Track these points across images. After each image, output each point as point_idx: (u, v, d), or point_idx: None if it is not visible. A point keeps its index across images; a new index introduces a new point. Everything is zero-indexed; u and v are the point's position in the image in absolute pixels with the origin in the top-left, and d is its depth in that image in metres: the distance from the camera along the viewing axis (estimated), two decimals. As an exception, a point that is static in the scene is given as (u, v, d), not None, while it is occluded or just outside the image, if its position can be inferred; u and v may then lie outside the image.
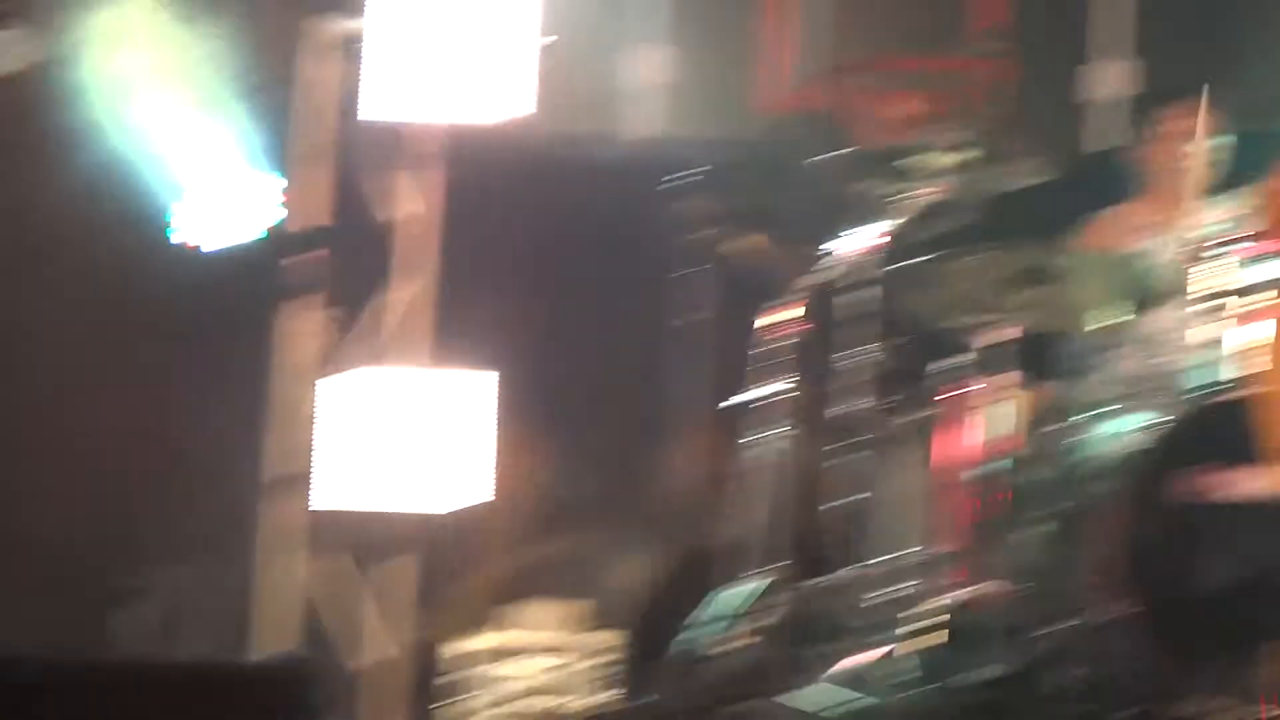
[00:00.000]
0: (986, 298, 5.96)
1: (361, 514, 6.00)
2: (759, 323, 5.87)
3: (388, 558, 6.06)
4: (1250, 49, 7.52)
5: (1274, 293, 5.79)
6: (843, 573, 5.94)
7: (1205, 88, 6.62)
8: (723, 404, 5.81)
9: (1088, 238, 6.53)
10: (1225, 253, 5.92)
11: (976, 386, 6.03)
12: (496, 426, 6.05)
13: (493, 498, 6.03)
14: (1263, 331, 5.77)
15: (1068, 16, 7.60)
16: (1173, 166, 6.51)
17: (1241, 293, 5.87)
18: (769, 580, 5.82)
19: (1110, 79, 7.60)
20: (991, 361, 5.92)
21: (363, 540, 6.02)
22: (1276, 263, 5.83)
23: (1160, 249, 6.51)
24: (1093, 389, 6.44)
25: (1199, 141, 6.53)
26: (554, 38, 6.08)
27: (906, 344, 6.08)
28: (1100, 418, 6.29)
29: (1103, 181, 6.77)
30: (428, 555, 6.10)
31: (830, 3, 4.97)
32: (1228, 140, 6.54)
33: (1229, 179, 6.47)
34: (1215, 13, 7.63)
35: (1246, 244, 5.89)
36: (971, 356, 6.00)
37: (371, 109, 6.07)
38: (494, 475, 6.07)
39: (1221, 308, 5.87)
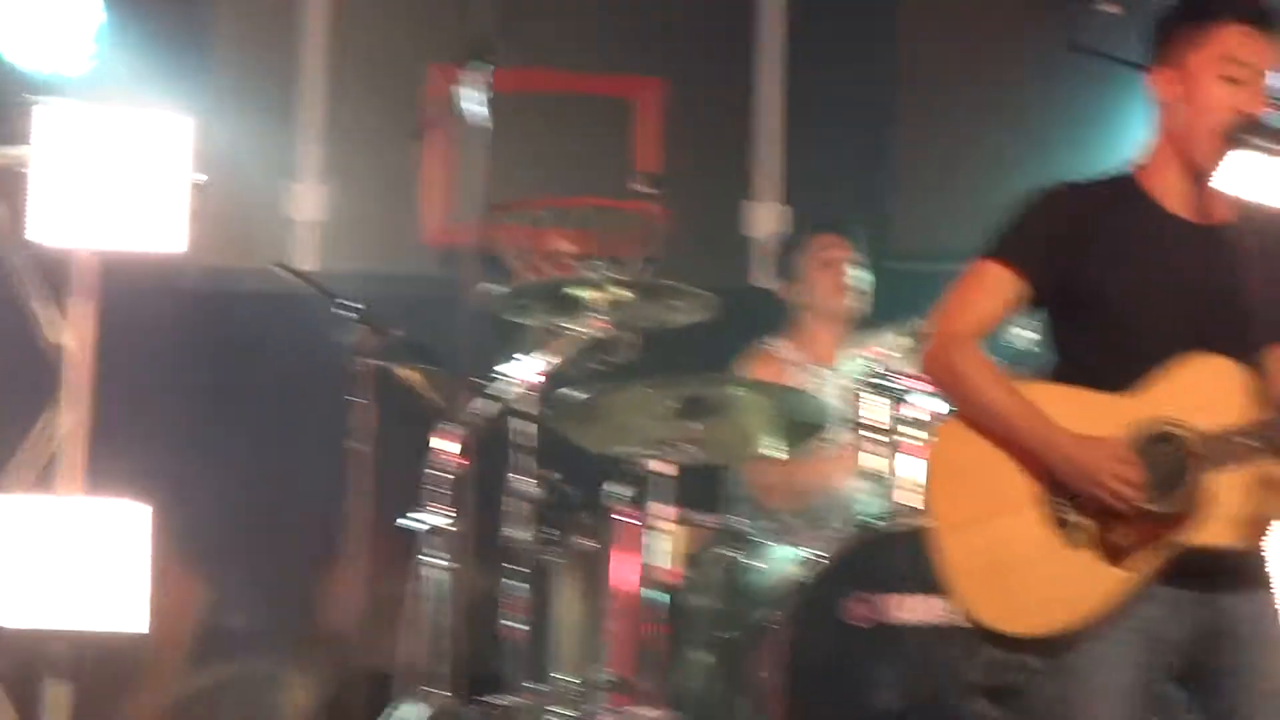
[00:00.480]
0: (649, 430, 6.04)
1: (14, 637, 5.88)
2: (429, 450, 5.92)
3: (42, 683, 5.92)
4: (893, 194, 7.91)
5: (926, 430, 5.99)
6: (511, 696, 5.96)
7: (854, 228, 6.95)
8: (394, 525, 5.83)
9: (749, 370, 6.78)
10: (884, 386, 6.12)
11: (640, 516, 6.08)
12: (155, 555, 5.99)
13: (151, 626, 5.95)
14: (919, 464, 5.95)
15: (729, 160, 7.91)
16: (827, 302, 6.85)
17: (898, 426, 6.07)
18: (439, 702, 5.82)
19: (768, 219, 7.89)
20: (655, 492, 5.98)
21: (17, 664, 5.89)
22: (929, 399, 6.03)
23: (819, 382, 6.78)
24: (758, 518, 6.67)
25: (851, 278, 6.83)
26: (205, 177, 6.13)
27: (567, 476, 6.16)
28: (766, 546, 6.49)
29: (763, 316, 7.02)
30: (84, 683, 5.98)
31: (490, 141, 5.07)
32: (871, 278, 6.85)
33: (882, 315, 6.74)
34: (861, 160, 8.00)
35: (904, 378, 6.09)
36: (634, 488, 6.06)
37: (36, 234, 6.05)
38: (151, 604, 6.00)
39: (883, 440, 6.06)
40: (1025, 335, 6.14)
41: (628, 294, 6.18)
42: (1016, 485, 4.15)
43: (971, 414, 4.21)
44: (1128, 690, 4.10)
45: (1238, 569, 4.13)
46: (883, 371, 6.14)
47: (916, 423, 6.07)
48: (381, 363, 6.11)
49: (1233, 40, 4.16)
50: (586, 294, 6.17)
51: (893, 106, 8.07)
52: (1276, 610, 4.17)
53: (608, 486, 6.10)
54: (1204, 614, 4.14)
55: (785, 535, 6.55)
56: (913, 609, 5.84)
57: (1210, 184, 4.20)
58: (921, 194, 7.87)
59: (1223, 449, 4.04)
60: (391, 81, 7.60)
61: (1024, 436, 4.13)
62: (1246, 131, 4.09)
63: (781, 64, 7.93)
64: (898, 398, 6.12)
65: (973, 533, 4.14)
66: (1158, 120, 4.26)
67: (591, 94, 7.63)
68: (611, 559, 6.16)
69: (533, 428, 6.07)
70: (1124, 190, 4.27)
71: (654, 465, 6.00)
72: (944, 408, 4.90)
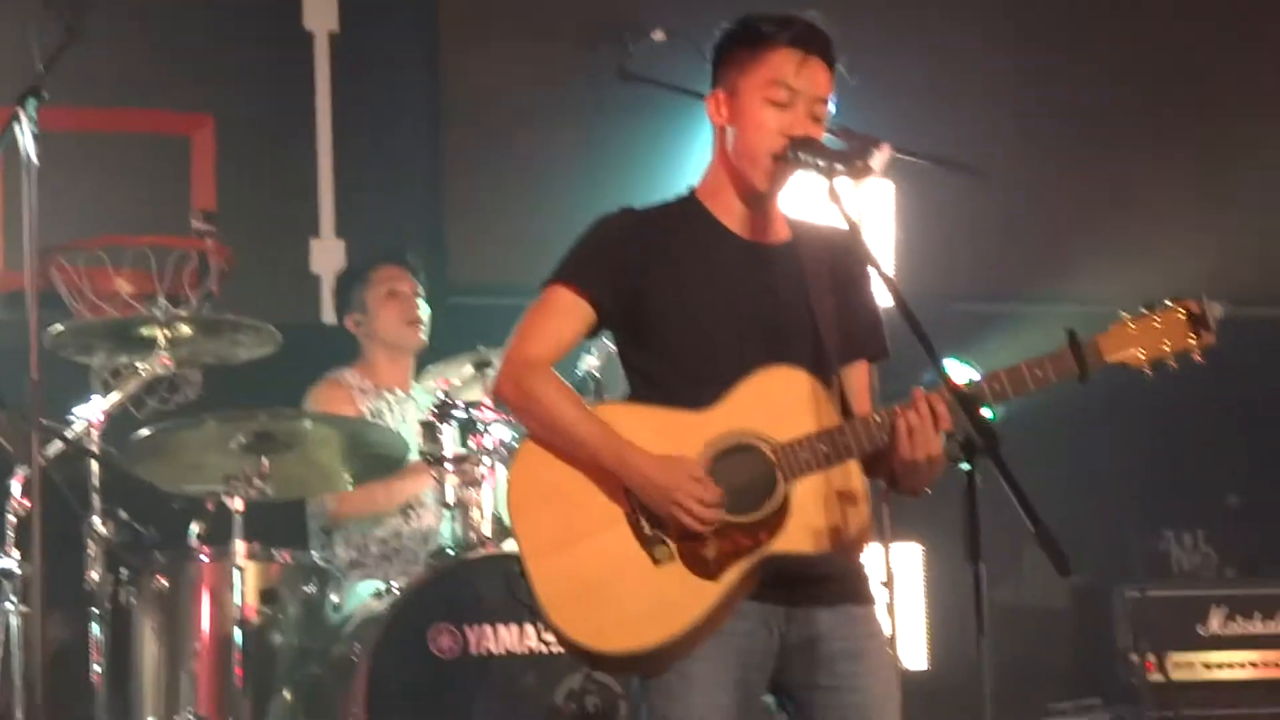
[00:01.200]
0: (221, 466, 6.00)
1: None
2: (4, 493, 5.82)
3: None
4: (450, 229, 8.00)
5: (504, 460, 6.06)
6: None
7: (413, 259, 7.01)
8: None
9: (319, 401, 6.76)
10: (460, 416, 6.15)
11: (216, 554, 6.06)
12: None
13: None
14: (499, 493, 6.02)
15: (293, 197, 7.90)
16: (391, 333, 6.87)
17: (477, 456, 6.12)
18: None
19: (332, 255, 7.89)
20: (230, 529, 5.94)
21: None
22: (506, 429, 6.12)
23: (391, 410, 6.82)
24: (338, 551, 6.67)
25: (414, 308, 6.88)
26: None
27: (143, 516, 6.08)
28: (345, 580, 6.49)
29: (333, 352, 7.01)
30: None
31: (37, 181, 5.00)
32: (428, 310, 6.91)
33: (445, 348, 6.81)
34: (416, 196, 8.08)
35: (481, 409, 6.14)
36: (208, 526, 6.04)
37: None
38: None
39: (461, 470, 6.10)
40: (589, 361, 6.31)
41: (189, 330, 6.16)
42: (599, 506, 4.19)
43: (548, 438, 4.23)
44: (727, 708, 4.15)
45: (828, 582, 4.22)
46: (456, 401, 6.17)
47: (494, 452, 6.12)
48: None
49: (781, 64, 4.25)
50: (149, 331, 6.13)
51: (441, 141, 8.14)
52: (871, 623, 4.29)
53: (180, 524, 6.05)
54: (795, 628, 4.21)
55: (364, 568, 6.59)
56: (497, 638, 5.87)
57: (769, 205, 4.31)
58: (480, 228, 7.94)
59: (798, 457, 4.12)
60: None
61: (601, 458, 4.17)
62: (802, 151, 4.19)
63: (331, 100, 7.95)
64: (476, 428, 6.16)
65: (560, 557, 4.16)
66: (715, 143, 4.34)
67: (146, 132, 7.54)
68: (190, 598, 6.11)
69: (99, 467, 5.98)
70: (686, 212, 4.35)
71: (227, 502, 5.95)
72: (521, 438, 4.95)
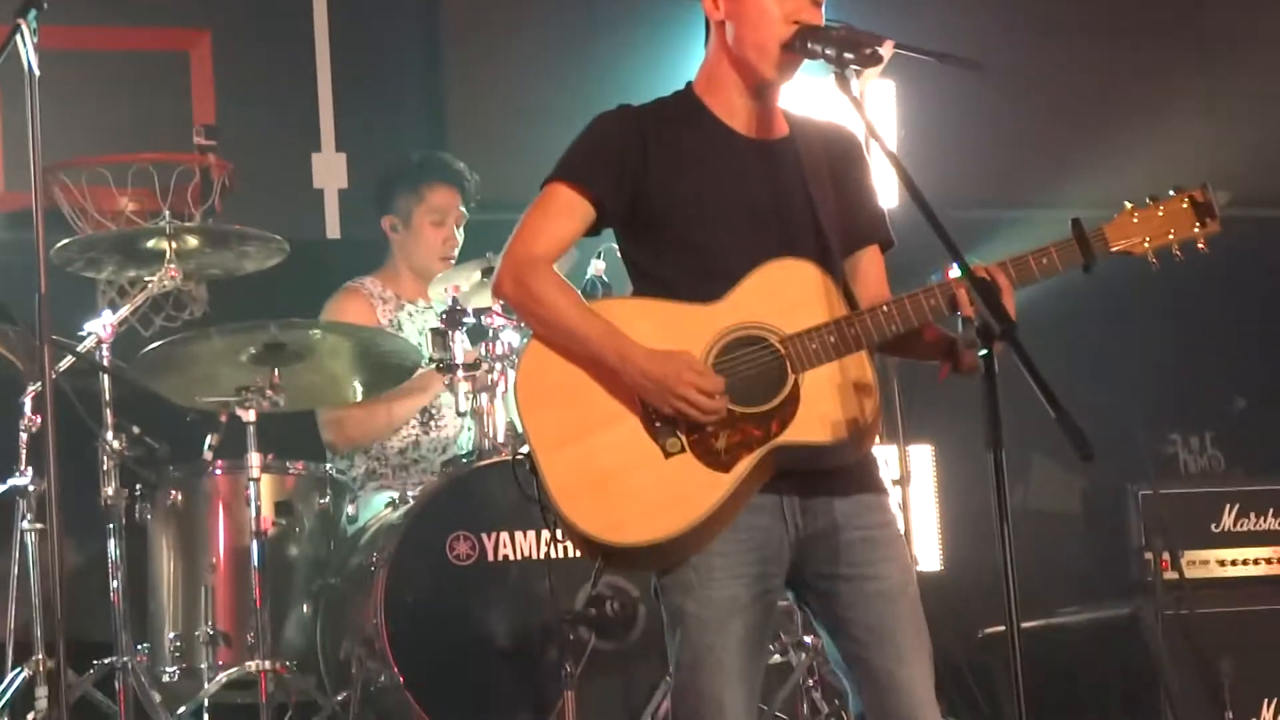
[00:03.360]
0: (232, 379, 6.06)
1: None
2: (18, 411, 5.88)
3: None
4: (452, 142, 8.03)
5: (508, 363, 6.07)
6: (122, 658, 5.92)
7: (470, 183, 6.98)
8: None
9: (339, 310, 6.78)
10: (470, 321, 6.18)
11: (229, 467, 6.14)
12: None
13: None
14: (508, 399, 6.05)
15: (294, 112, 7.93)
16: (429, 256, 6.84)
17: (491, 363, 6.13)
18: (34, 671, 5.76)
19: (336, 171, 7.93)
20: (243, 441, 6.00)
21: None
22: (512, 333, 6.14)
23: (410, 320, 6.86)
24: (355, 461, 6.72)
25: (457, 235, 6.90)
26: None
27: (156, 430, 6.14)
28: (360, 490, 6.56)
29: (339, 266, 7.05)
30: None
31: (39, 99, 5.04)
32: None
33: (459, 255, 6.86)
34: (417, 109, 8.11)
35: (493, 315, 6.15)
36: (221, 438, 6.06)
37: None
38: None
39: (472, 377, 6.12)
40: (597, 266, 6.34)
41: (196, 242, 6.20)
42: (609, 400, 4.22)
43: (550, 336, 4.27)
44: (744, 602, 4.20)
45: (841, 472, 4.26)
46: (466, 308, 6.19)
47: (505, 358, 6.13)
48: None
49: None
50: (155, 244, 6.17)
51: (440, 52, 8.17)
52: (885, 511, 4.33)
53: (202, 438, 6.09)
54: (811, 519, 4.25)
55: (381, 478, 6.66)
56: (515, 545, 5.94)
57: (770, 99, 4.34)
58: (483, 140, 7.94)
59: (808, 348, 4.17)
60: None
61: (602, 355, 4.20)
62: (811, 39, 4.21)
63: (328, 13, 7.96)
64: (486, 334, 6.18)
65: (570, 451, 4.20)
66: (714, 39, 4.37)
67: (143, 49, 7.57)
68: (205, 512, 6.20)
69: (111, 382, 6.01)
70: (685, 108, 4.37)
71: (241, 413, 6.00)
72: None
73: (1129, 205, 4.33)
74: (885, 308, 4.22)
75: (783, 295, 4.25)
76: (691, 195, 4.29)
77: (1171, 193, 4.35)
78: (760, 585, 4.24)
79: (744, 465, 4.17)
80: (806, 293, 4.25)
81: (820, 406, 4.19)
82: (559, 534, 4.32)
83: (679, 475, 4.18)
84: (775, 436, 4.18)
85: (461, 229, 6.91)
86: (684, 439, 4.20)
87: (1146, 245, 4.32)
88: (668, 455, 4.19)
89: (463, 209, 6.90)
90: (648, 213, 4.31)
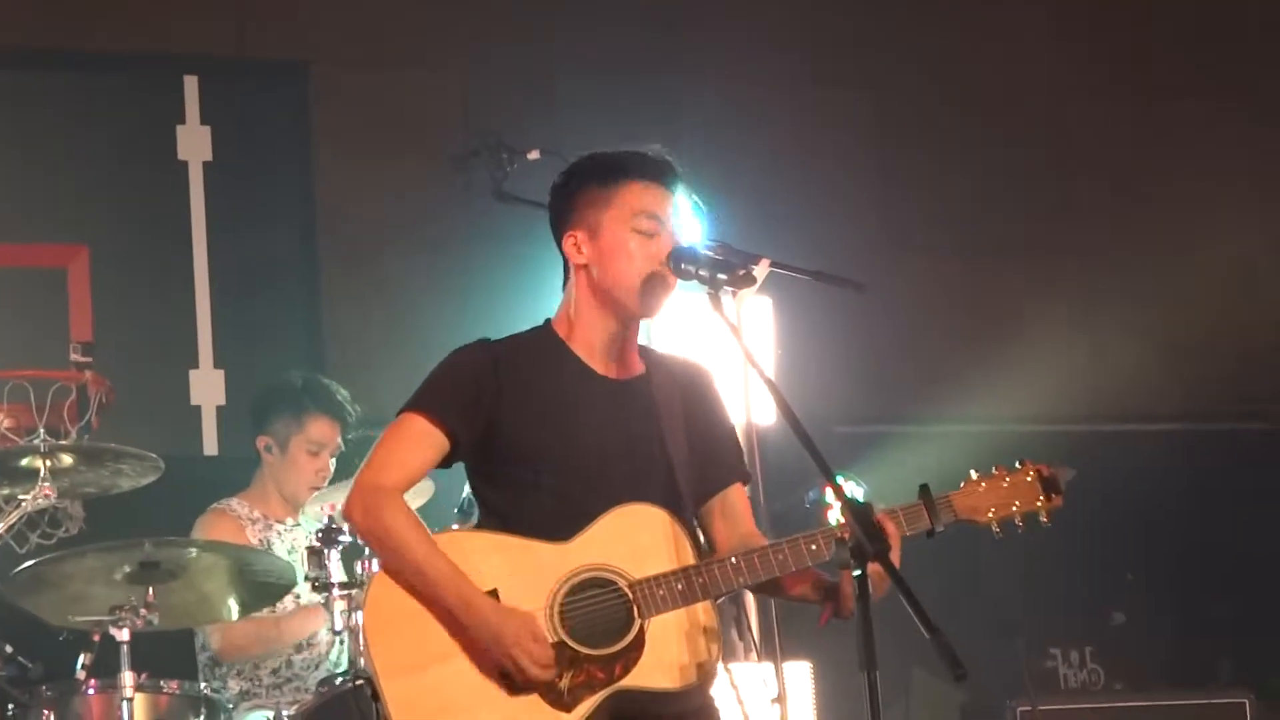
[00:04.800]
0: (106, 597, 6.02)
1: None
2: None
3: None
4: (329, 358, 8.08)
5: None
6: None
7: (347, 412, 7.01)
8: None
9: (208, 531, 6.79)
10: (346, 539, 6.15)
11: (102, 687, 6.05)
12: None
13: None
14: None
15: (172, 328, 7.98)
16: (300, 483, 6.86)
17: (362, 580, 6.08)
18: None
19: (212, 386, 7.96)
20: (117, 660, 5.93)
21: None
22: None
23: (277, 540, 6.88)
24: (229, 683, 6.69)
25: (328, 476, 6.90)
26: None
27: (29, 650, 6.10)
28: (234, 710, 6.51)
29: (216, 484, 7.05)
30: None
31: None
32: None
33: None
34: (294, 325, 8.18)
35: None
36: (90, 658, 6.04)
37: None
38: None
39: (348, 595, 6.11)
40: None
41: (71, 460, 6.22)
42: (451, 631, 4.28)
43: (396, 568, 4.33)
44: None
45: (679, 716, 4.34)
46: (342, 526, 6.16)
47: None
48: None
49: (640, 196, 4.42)
50: (30, 462, 6.18)
51: (317, 269, 8.28)
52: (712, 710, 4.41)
53: (75, 658, 6.06)
54: None
55: (256, 698, 6.64)
56: None
57: (629, 337, 4.46)
58: (360, 357, 8.05)
59: (655, 594, 4.27)
60: None
61: (445, 597, 4.26)
62: (685, 260, 4.36)
63: (206, 230, 8.05)
64: (363, 552, 6.14)
65: (416, 677, 4.25)
66: (575, 280, 4.48)
67: (20, 265, 7.62)
68: (76, 736, 6.15)
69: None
70: (541, 344, 4.49)
71: (114, 633, 5.95)
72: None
73: (974, 475, 4.47)
74: (734, 560, 4.34)
75: (633, 540, 4.35)
76: (544, 440, 4.39)
77: (1018, 465, 4.47)
78: None
79: (585, 707, 4.25)
80: (656, 538, 4.36)
81: (665, 652, 4.30)
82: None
83: (521, 713, 4.25)
84: (618, 680, 4.27)
85: (334, 459, 6.94)
86: None
87: (990, 516, 4.44)
88: (510, 693, 4.26)
89: (339, 441, 6.95)
90: (499, 451, 4.41)
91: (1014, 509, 4.46)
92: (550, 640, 4.29)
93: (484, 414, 4.38)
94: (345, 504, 4.43)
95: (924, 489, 4.38)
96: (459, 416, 4.38)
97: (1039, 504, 4.48)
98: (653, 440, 4.42)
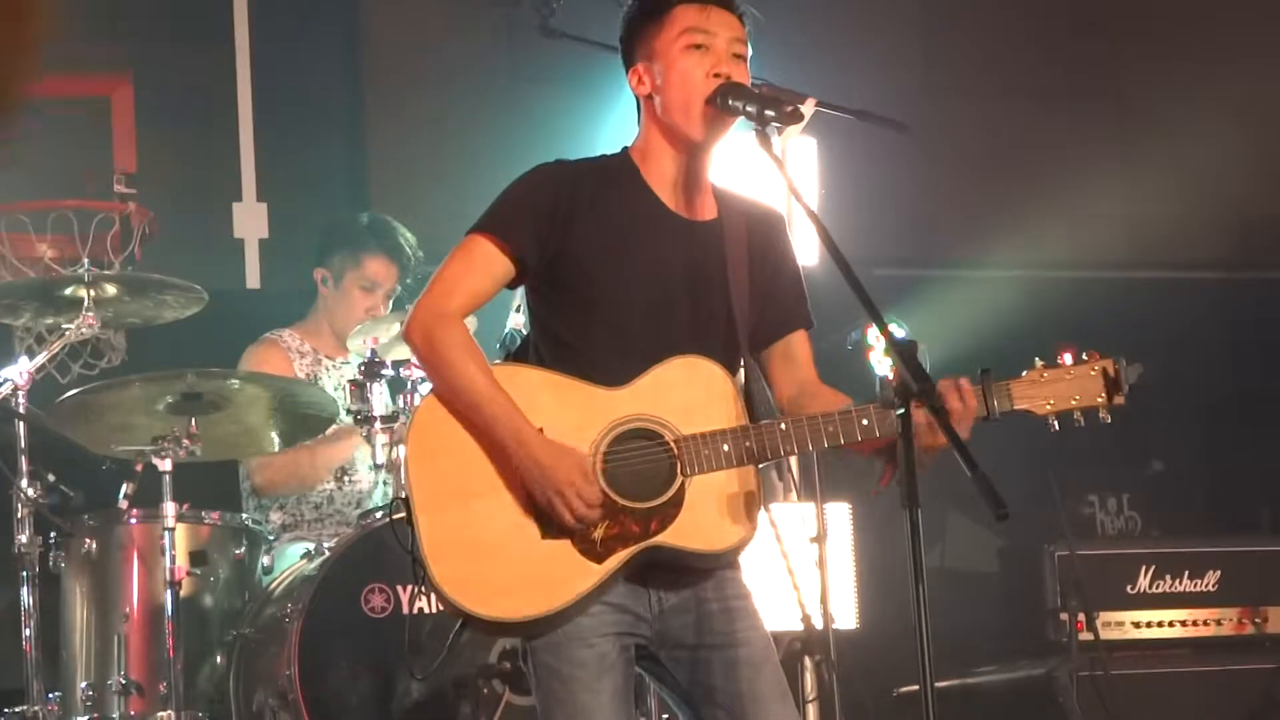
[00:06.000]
0: (148, 427, 6.07)
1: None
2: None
3: None
4: (373, 194, 8.08)
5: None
6: (34, 706, 5.92)
7: (403, 259, 6.97)
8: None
9: (256, 361, 6.81)
10: (389, 374, 6.23)
11: (144, 516, 6.13)
12: None
13: None
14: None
15: (215, 161, 7.97)
16: (351, 319, 6.80)
17: (402, 415, 6.13)
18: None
19: (256, 221, 7.96)
20: (159, 490, 6.01)
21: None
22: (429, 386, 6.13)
23: (325, 376, 6.89)
24: (271, 515, 6.74)
25: (381, 314, 6.85)
26: None
27: (71, 478, 6.15)
28: (275, 541, 6.58)
29: (259, 318, 7.07)
30: None
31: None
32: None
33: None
34: (338, 160, 8.15)
35: (408, 367, 6.19)
36: (136, 486, 6.09)
37: None
38: None
39: (390, 429, 6.13)
40: (515, 319, 6.37)
41: (115, 290, 6.23)
42: (493, 468, 4.22)
43: (448, 395, 4.25)
44: (614, 659, 4.23)
45: (707, 571, 4.30)
46: (384, 360, 6.23)
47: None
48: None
49: (685, 15, 4.34)
50: (74, 291, 6.20)
51: (362, 102, 8.23)
52: (741, 584, 4.35)
53: (117, 487, 6.10)
54: (670, 595, 4.29)
55: (297, 530, 6.70)
56: (430, 597, 5.72)
57: (701, 168, 4.37)
58: (405, 192, 8.01)
59: (700, 452, 4.20)
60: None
61: (496, 428, 4.19)
62: (732, 96, 4.25)
63: (250, 61, 8.01)
64: (405, 386, 6.22)
65: (449, 512, 4.20)
66: (644, 114, 4.40)
67: (63, 96, 7.57)
68: (119, 561, 6.19)
69: (26, 429, 6.04)
70: (619, 172, 4.39)
71: (157, 463, 6.01)
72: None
73: (1039, 363, 4.36)
74: (783, 427, 4.26)
75: (686, 393, 4.28)
76: (612, 270, 4.31)
77: (1084, 357, 4.39)
78: (624, 641, 4.27)
79: (616, 560, 4.21)
80: (709, 395, 4.30)
81: (703, 512, 4.24)
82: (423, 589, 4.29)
83: (552, 557, 4.20)
84: (652, 535, 4.22)
85: (391, 302, 6.90)
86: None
87: (1049, 408, 4.37)
88: (544, 535, 4.21)
89: (398, 285, 6.91)
90: (565, 276, 4.32)
91: (1073, 403, 4.36)
92: None
93: (557, 236, 4.28)
94: (405, 326, 4.33)
95: (984, 374, 4.27)
96: (530, 239, 4.28)
97: (1100, 400, 4.37)
98: (716, 285, 4.34)
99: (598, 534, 4.20)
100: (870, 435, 4.22)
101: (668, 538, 4.21)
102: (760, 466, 4.29)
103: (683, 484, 4.22)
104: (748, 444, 4.24)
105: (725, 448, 4.23)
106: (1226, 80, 8.80)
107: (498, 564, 4.19)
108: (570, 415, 4.24)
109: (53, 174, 7.34)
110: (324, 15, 8.22)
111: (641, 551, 4.21)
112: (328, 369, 6.88)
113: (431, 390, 4.33)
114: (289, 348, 6.89)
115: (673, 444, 4.23)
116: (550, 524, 4.21)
